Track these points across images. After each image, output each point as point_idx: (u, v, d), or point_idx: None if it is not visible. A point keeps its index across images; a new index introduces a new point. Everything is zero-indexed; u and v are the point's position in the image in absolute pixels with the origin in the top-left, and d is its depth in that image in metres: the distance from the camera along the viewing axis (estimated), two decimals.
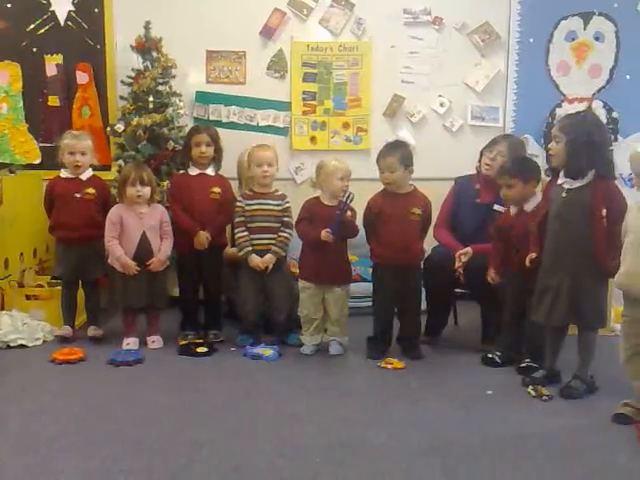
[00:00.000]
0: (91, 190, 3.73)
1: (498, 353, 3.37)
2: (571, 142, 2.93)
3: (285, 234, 3.63)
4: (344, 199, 3.40)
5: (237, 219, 3.66)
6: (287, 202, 3.67)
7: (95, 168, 3.87)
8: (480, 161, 3.74)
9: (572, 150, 2.93)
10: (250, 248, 3.59)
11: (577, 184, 2.93)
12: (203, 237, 3.64)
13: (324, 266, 3.49)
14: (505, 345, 3.40)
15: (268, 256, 3.58)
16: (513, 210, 3.36)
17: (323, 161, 3.56)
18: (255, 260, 3.57)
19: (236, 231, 3.67)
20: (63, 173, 3.78)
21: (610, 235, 2.84)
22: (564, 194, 2.97)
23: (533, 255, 3.11)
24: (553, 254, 3.01)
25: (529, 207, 3.30)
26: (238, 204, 3.67)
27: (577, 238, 2.92)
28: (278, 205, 3.64)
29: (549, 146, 3.07)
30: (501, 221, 3.41)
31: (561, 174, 3.02)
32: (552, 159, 3.10)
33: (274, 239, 3.60)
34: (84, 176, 3.76)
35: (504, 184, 3.32)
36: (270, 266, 3.57)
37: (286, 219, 3.64)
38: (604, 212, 2.87)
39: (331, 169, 3.48)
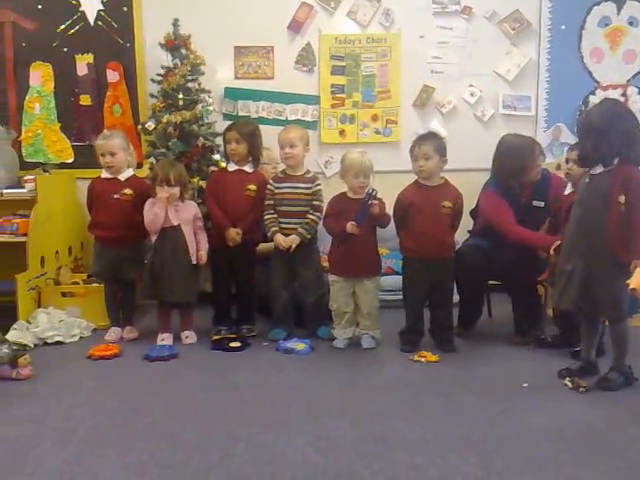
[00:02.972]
0: (128, 191, 3.74)
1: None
2: (583, 137, 2.94)
3: (313, 217, 3.63)
4: (365, 198, 3.39)
5: (266, 202, 3.67)
6: (318, 185, 3.67)
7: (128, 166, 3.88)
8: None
9: (581, 138, 2.96)
10: (276, 228, 3.62)
11: (599, 170, 2.90)
12: (233, 233, 3.65)
13: (352, 259, 3.48)
14: (562, 326, 3.48)
15: (292, 236, 3.59)
16: (567, 190, 3.40)
17: (346, 154, 3.54)
18: (279, 239, 3.58)
19: (264, 213, 3.68)
20: (104, 173, 3.81)
21: (628, 222, 2.79)
22: (587, 180, 2.95)
23: (557, 242, 3.18)
24: (570, 239, 2.99)
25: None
26: (268, 186, 3.69)
27: (593, 224, 2.89)
28: (308, 188, 3.64)
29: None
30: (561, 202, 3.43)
31: None
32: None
33: (301, 222, 3.62)
34: (123, 176, 3.79)
35: (572, 159, 3.33)
36: (293, 246, 3.57)
37: (315, 202, 3.64)
38: (622, 199, 2.81)
39: (347, 164, 3.47)
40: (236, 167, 3.77)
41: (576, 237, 2.96)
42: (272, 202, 3.67)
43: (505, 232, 3.49)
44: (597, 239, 2.87)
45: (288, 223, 3.63)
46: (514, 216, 3.49)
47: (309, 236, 3.62)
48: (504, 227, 3.50)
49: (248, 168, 3.79)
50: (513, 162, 3.49)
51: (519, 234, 3.47)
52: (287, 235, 3.61)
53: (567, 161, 3.46)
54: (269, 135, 3.98)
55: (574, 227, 2.98)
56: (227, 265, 3.76)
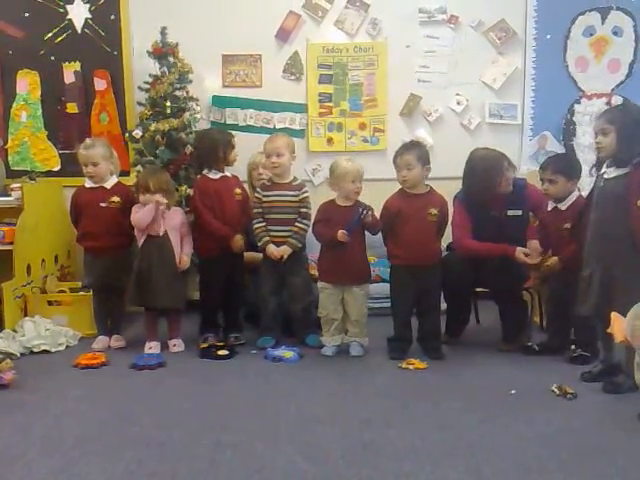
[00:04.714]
0: (116, 198, 3.72)
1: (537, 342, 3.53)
2: (621, 131, 2.92)
3: (302, 225, 3.64)
4: (359, 215, 3.41)
5: (255, 210, 3.69)
6: (305, 192, 3.68)
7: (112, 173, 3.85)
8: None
9: (623, 138, 2.92)
10: (268, 238, 3.63)
11: (614, 173, 2.93)
12: (240, 241, 3.68)
13: (342, 266, 3.49)
14: (550, 334, 3.56)
15: (284, 247, 3.60)
16: (550, 206, 3.49)
17: (335, 162, 3.56)
18: (270, 249, 3.60)
19: (254, 222, 3.69)
20: (87, 183, 3.78)
21: None
22: (602, 184, 2.99)
23: (554, 259, 3.39)
24: (587, 244, 3.03)
25: (564, 206, 3.43)
26: (256, 195, 3.70)
27: (609, 228, 2.92)
28: (295, 195, 3.65)
29: (597, 140, 2.99)
30: (543, 214, 3.55)
31: (605, 165, 3.02)
32: (601, 152, 3.04)
33: (290, 231, 3.62)
34: (108, 184, 3.76)
35: (546, 179, 3.42)
36: (285, 256, 3.59)
37: (303, 210, 3.65)
38: None
39: (342, 171, 3.47)
40: (220, 174, 3.73)
41: (593, 241, 2.99)
42: (260, 210, 3.67)
43: (456, 246, 3.59)
44: (614, 242, 2.89)
45: (277, 230, 3.63)
46: (482, 229, 3.49)
47: (300, 245, 3.64)
48: (456, 241, 3.57)
49: (228, 173, 3.78)
50: (481, 182, 3.50)
51: (469, 247, 3.51)
52: (277, 244, 3.62)
53: (542, 181, 3.48)
54: (257, 143, 3.99)
55: (591, 232, 3.02)
56: (220, 273, 3.74)
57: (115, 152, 3.94)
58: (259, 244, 3.67)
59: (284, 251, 3.60)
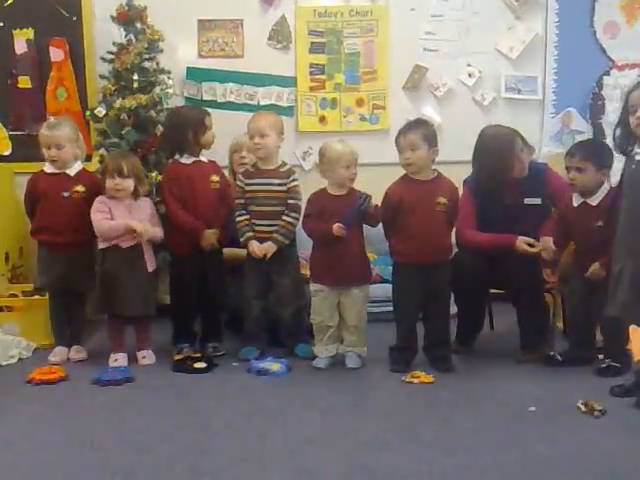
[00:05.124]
0: (80, 188, 3.70)
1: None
2: None
3: (289, 219, 3.63)
4: (359, 204, 3.41)
5: (237, 200, 3.68)
6: (294, 180, 3.67)
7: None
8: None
9: None
10: (251, 234, 3.63)
11: None
12: (212, 236, 3.66)
13: (339, 265, 3.49)
14: (572, 344, 3.55)
15: (268, 244, 3.60)
16: (576, 201, 3.43)
17: (325, 145, 3.56)
18: (252, 246, 3.60)
19: (236, 214, 3.69)
20: (48, 167, 3.76)
21: None
22: (634, 166, 3.00)
23: (595, 266, 3.35)
24: (618, 236, 3.05)
25: (595, 200, 3.40)
26: (238, 183, 3.70)
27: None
28: (282, 184, 3.64)
29: (637, 116, 2.99)
30: (563, 211, 3.53)
31: (637, 144, 3.03)
32: (638, 129, 3.04)
33: (276, 225, 3.62)
34: (72, 171, 3.74)
35: (573, 167, 3.39)
36: (269, 255, 3.59)
37: (292, 201, 3.64)
38: None
39: (334, 155, 3.47)
40: (193, 158, 3.72)
41: (623, 232, 3.00)
42: (243, 201, 3.67)
43: (457, 237, 3.62)
44: None
45: (261, 225, 3.63)
46: (494, 220, 3.53)
47: (287, 242, 3.63)
48: (457, 232, 3.60)
49: (203, 158, 3.78)
50: (491, 164, 3.54)
51: (469, 239, 3.57)
52: (261, 240, 3.61)
53: (568, 170, 3.47)
54: (238, 122, 3.98)
55: (621, 222, 3.03)
56: (194, 272, 3.74)
57: (81, 134, 3.92)
58: (241, 240, 3.66)
59: (267, 249, 3.60)
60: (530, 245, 3.46)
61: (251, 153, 3.83)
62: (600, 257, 3.33)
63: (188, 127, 3.68)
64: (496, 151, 3.53)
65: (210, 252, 3.69)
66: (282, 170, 3.69)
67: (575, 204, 3.48)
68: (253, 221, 3.65)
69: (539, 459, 2.51)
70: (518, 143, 3.56)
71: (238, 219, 3.67)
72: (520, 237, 3.46)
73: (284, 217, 3.63)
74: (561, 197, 3.57)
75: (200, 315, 3.85)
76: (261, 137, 3.61)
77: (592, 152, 3.45)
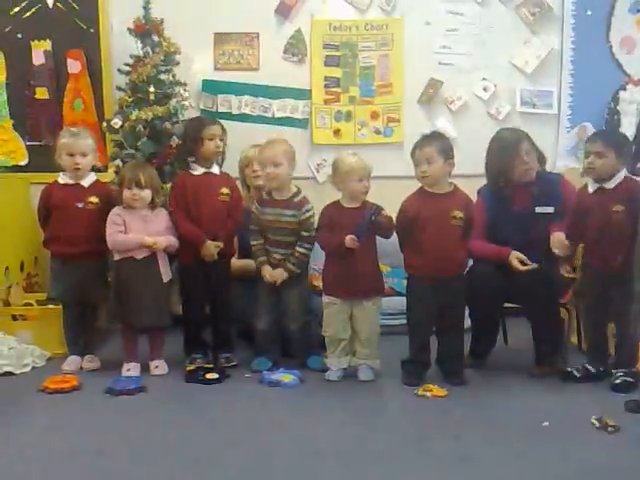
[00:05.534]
0: (94, 199, 3.71)
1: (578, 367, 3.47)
2: None
3: (302, 250, 3.62)
4: (370, 215, 3.41)
5: (251, 227, 3.69)
6: (307, 212, 3.62)
7: (91, 169, 3.83)
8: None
9: None
10: (264, 258, 3.64)
11: None
12: (211, 248, 3.64)
13: (351, 277, 3.48)
14: (591, 358, 3.50)
15: (279, 271, 3.60)
16: (592, 187, 3.41)
17: (338, 158, 3.56)
18: (265, 271, 3.61)
19: (251, 239, 3.70)
20: (62, 178, 3.76)
21: None
22: None
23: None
24: (637, 248, 3.04)
25: (612, 184, 3.36)
26: (253, 209, 3.70)
27: None
28: (294, 216, 3.61)
29: None
30: (578, 199, 3.48)
31: None
32: None
33: (290, 254, 3.62)
34: (86, 182, 3.75)
35: (594, 152, 3.36)
36: (279, 281, 3.60)
37: (305, 234, 3.62)
38: None
39: (347, 169, 3.47)
40: (203, 169, 3.73)
41: None
42: (257, 228, 3.67)
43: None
44: None
45: (274, 252, 3.63)
46: (504, 228, 3.55)
47: (298, 271, 3.63)
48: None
49: (215, 170, 3.78)
50: (494, 164, 3.57)
51: (471, 249, 3.55)
52: (274, 266, 3.62)
53: (587, 155, 3.43)
54: (253, 134, 3.99)
55: None
56: (200, 283, 3.74)
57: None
58: (254, 263, 3.69)
59: (278, 276, 3.60)
60: (523, 263, 3.44)
61: (264, 181, 3.80)
62: (618, 248, 3.30)
63: (186, 138, 3.72)
64: (500, 150, 3.54)
65: (214, 262, 3.69)
66: (295, 200, 3.65)
67: (591, 190, 3.43)
68: (267, 247, 3.65)
69: (552, 475, 2.50)
70: (524, 144, 3.56)
71: (252, 243, 3.68)
72: (513, 252, 3.45)
73: (298, 248, 3.62)
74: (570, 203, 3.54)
75: (212, 325, 3.85)
76: (275, 166, 3.58)
77: (614, 139, 3.45)
